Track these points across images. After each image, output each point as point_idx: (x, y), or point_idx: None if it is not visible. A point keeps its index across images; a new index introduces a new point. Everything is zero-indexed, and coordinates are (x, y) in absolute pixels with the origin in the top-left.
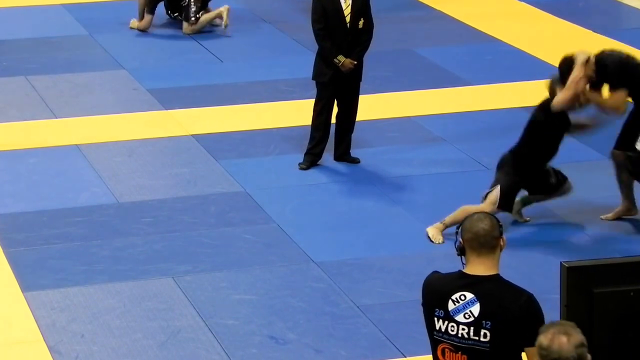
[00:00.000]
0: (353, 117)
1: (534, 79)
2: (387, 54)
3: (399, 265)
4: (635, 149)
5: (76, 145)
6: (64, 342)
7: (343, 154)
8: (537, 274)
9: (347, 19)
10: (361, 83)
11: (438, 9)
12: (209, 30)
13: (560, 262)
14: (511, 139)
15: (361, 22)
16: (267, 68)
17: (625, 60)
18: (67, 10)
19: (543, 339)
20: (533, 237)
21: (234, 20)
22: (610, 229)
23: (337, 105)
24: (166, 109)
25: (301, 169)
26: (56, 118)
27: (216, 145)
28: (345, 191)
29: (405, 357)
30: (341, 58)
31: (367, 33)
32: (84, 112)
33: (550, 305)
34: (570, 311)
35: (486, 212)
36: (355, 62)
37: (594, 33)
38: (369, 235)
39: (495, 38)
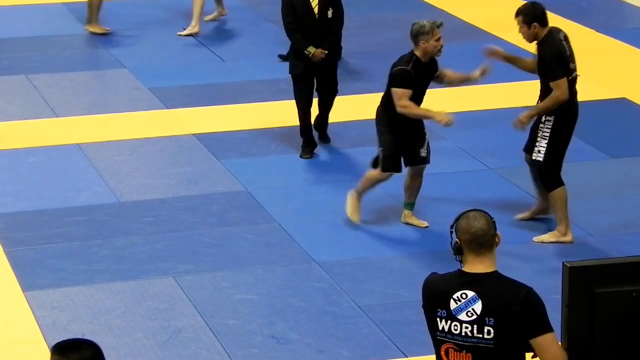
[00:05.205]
0: (329, 107)
1: (536, 79)
2: (388, 53)
3: (401, 265)
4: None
5: (77, 144)
6: None
7: (320, 126)
8: (538, 274)
9: (315, 10)
10: (362, 82)
11: (439, 7)
12: (210, 29)
13: (563, 262)
14: (512, 138)
15: (330, 12)
16: (269, 67)
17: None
18: (68, 9)
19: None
20: (534, 236)
21: (234, 19)
22: (611, 229)
23: (317, 96)
24: (167, 108)
25: (305, 158)
26: (57, 117)
27: (217, 144)
28: (347, 190)
29: (407, 357)
30: (311, 49)
31: (337, 21)
32: (85, 111)
33: (552, 305)
34: (572, 311)
35: (480, 210)
36: (326, 52)
37: (597, 32)
38: (371, 235)
39: (497, 37)
